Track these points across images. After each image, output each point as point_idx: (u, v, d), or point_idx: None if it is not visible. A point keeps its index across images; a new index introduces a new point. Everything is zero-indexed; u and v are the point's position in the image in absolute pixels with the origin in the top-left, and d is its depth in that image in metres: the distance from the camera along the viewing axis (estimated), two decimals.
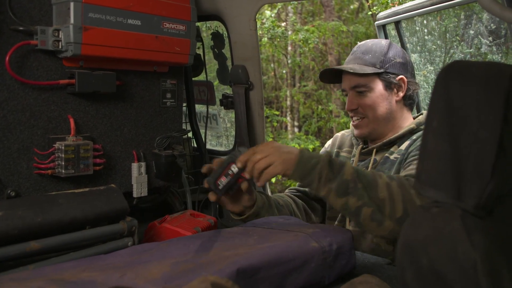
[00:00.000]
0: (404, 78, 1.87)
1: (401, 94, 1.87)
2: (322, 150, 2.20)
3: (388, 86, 1.85)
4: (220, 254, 1.20)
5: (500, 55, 4.83)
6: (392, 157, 1.82)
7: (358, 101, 1.87)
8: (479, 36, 4.97)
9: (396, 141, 1.85)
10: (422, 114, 1.94)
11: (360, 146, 1.96)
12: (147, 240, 2.08)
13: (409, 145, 1.78)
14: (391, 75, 1.84)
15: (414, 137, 1.81)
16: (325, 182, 1.41)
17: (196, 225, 2.07)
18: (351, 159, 1.99)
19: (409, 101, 1.91)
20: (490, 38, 4.92)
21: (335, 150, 2.10)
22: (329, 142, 2.20)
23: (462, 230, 0.72)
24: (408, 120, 1.92)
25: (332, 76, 2.01)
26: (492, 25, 4.86)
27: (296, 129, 11.66)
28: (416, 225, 0.77)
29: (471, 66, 0.78)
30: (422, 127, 1.81)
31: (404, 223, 0.82)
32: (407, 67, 1.90)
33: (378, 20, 2.76)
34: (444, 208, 0.76)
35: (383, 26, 2.76)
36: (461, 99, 0.76)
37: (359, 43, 2.03)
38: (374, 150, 1.88)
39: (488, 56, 4.87)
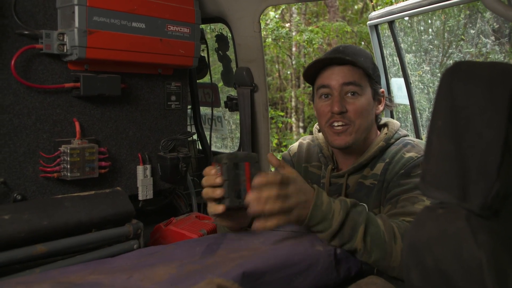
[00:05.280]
0: (384, 91, 1.74)
1: (380, 107, 1.73)
2: (286, 155, 1.98)
3: (374, 96, 1.69)
4: (226, 256, 1.21)
5: (504, 54, 4.80)
6: (367, 182, 1.67)
7: (348, 104, 1.64)
8: (481, 35, 4.94)
9: (368, 163, 1.69)
10: (387, 126, 1.75)
11: (330, 167, 1.77)
12: (153, 243, 2.09)
13: (385, 170, 1.63)
14: (378, 85, 1.70)
15: (387, 158, 1.65)
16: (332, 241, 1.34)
17: (201, 228, 2.08)
18: (321, 180, 1.80)
19: (379, 117, 1.77)
20: (493, 37, 4.89)
21: (303, 164, 1.89)
22: (294, 150, 1.96)
23: (467, 230, 0.72)
24: (376, 134, 1.76)
25: (312, 71, 1.73)
26: (495, 24, 4.83)
27: (301, 130, 11.65)
28: (421, 226, 0.77)
29: (476, 66, 0.78)
30: (391, 141, 1.69)
31: (410, 225, 0.81)
32: (380, 82, 1.77)
33: (370, 20, 2.72)
34: (449, 208, 0.75)
35: (376, 26, 2.73)
36: (465, 99, 0.76)
37: (339, 45, 1.86)
38: (346, 175, 1.71)
39: (490, 56, 4.83)
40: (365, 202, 1.66)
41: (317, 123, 1.86)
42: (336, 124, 1.65)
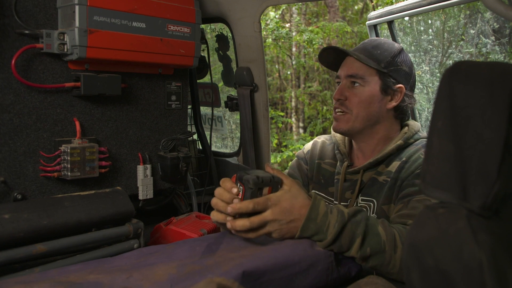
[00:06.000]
0: (403, 87, 1.76)
1: (394, 103, 1.76)
2: (300, 153, 2.07)
3: (385, 89, 1.73)
4: (226, 256, 1.21)
5: (504, 54, 4.80)
6: (380, 179, 1.70)
7: (349, 93, 1.75)
8: (481, 35, 4.94)
9: (384, 160, 1.74)
10: (408, 126, 1.81)
11: (346, 163, 1.82)
12: (153, 242, 2.08)
13: (400, 168, 1.66)
14: (391, 80, 1.74)
15: (404, 157, 1.69)
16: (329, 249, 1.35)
17: (201, 227, 2.07)
18: (335, 177, 1.86)
19: (401, 114, 1.80)
20: (493, 38, 4.88)
21: (316, 161, 1.96)
22: (308, 148, 2.05)
23: (468, 230, 0.72)
24: (394, 132, 1.81)
25: (332, 60, 1.87)
26: (495, 24, 4.83)
27: (301, 130, 11.65)
28: (421, 226, 0.77)
29: (476, 66, 0.78)
30: (410, 141, 1.72)
31: (410, 225, 0.81)
32: (409, 79, 1.80)
33: (369, 20, 2.71)
34: (450, 208, 0.75)
35: (375, 26, 2.72)
36: (465, 99, 0.76)
37: (371, 38, 1.94)
38: (362, 171, 1.75)
39: (491, 56, 4.84)
40: (375, 198, 1.68)
41: None
42: (337, 110, 1.78)
